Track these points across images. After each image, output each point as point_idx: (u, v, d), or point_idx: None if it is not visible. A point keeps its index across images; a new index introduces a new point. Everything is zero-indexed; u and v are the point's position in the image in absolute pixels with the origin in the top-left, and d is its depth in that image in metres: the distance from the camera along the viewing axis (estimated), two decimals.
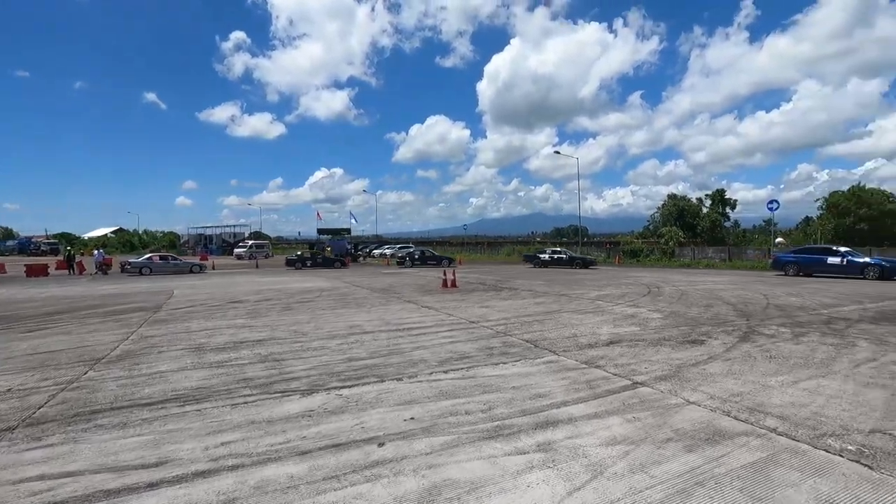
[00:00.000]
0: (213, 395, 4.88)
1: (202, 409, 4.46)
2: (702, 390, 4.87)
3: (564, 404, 4.49)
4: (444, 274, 17.92)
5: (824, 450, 3.46)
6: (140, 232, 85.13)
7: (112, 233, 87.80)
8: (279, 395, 4.85)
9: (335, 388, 5.07)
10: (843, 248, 21.22)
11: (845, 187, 44.12)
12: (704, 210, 56.45)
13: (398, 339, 7.68)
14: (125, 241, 78.07)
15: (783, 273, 22.14)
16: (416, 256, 34.30)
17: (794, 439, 3.66)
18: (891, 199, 42.51)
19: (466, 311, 10.69)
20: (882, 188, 42.93)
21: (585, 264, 29.96)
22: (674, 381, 5.22)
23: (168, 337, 8.06)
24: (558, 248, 33.41)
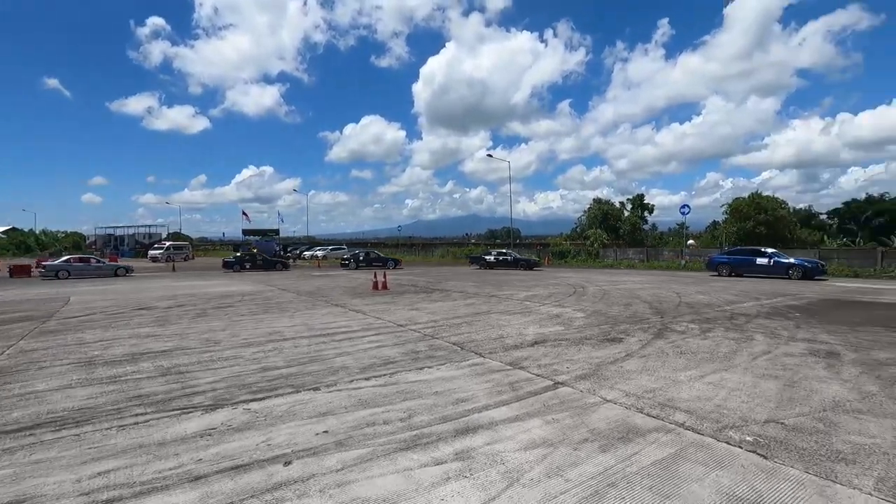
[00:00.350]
0: (98, 416, 4.31)
1: (82, 433, 3.91)
2: (618, 388, 5.00)
3: (486, 408, 4.42)
4: (375, 276, 17.55)
5: (726, 442, 3.63)
6: (37, 232, 76.32)
7: (2, 233, 78.07)
8: (177, 412, 4.38)
9: (244, 401, 4.67)
10: (770, 250, 22.03)
11: (745, 194, 48.71)
12: (626, 214, 59.98)
13: (321, 345, 7.31)
14: (18, 242, 69.66)
15: (717, 273, 22.78)
16: (361, 258, 33.44)
17: (699, 433, 3.80)
18: (783, 205, 47.46)
19: (395, 314, 10.45)
20: (776, 196, 47.72)
21: (529, 266, 30.26)
22: (593, 379, 5.33)
23: (54, 350, 7.14)
24: (504, 251, 33.67)
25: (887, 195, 54.52)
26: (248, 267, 30.60)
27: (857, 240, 42.13)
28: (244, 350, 6.98)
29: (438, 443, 3.64)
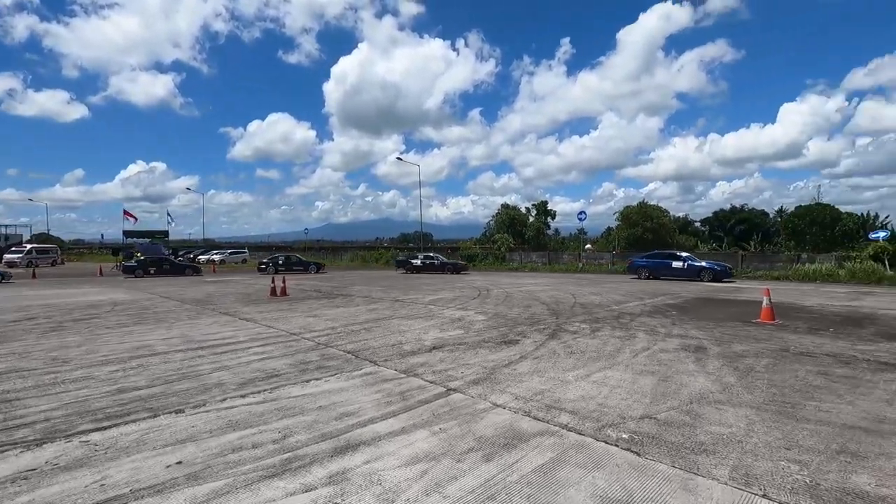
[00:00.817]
0: None
1: None
2: (509, 391, 4.99)
3: (372, 422, 4.14)
4: (273, 281, 16.48)
5: (604, 441, 3.70)
6: None
7: None
8: None
9: (84, 431, 3.94)
10: (684, 254, 23.21)
11: (635, 203, 53.46)
12: (531, 219, 63.02)
13: (197, 359, 6.55)
14: None
15: (637, 276, 23.58)
16: (281, 262, 31.55)
17: (581, 433, 3.85)
18: (665, 213, 52.79)
19: (290, 322, 9.80)
20: (660, 205, 52.80)
21: (456, 269, 29.55)
22: (486, 384, 5.28)
23: None
24: (431, 254, 33.13)
25: (746, 206, 62.75)
26: (152, 272, 27.33)
27: (724, 244, 47.92)
28: (99, 369, 6.03)
29: (312, 465, 3.30)
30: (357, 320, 10.04)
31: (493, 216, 64.63)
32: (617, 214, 54.28)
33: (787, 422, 4.07)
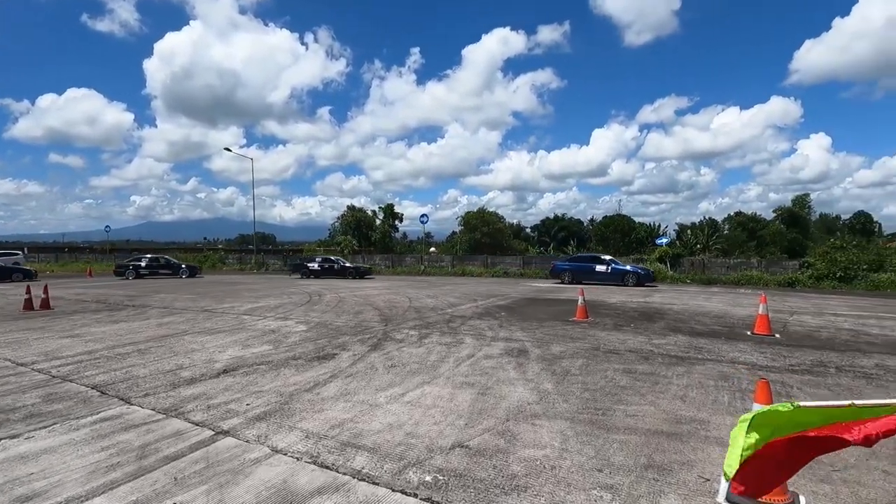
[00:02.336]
0: None
1: None
2: (301, 427, 3.95)
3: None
4: (29, 291, 12.66)
5: (401, 491, 2.90)
6: None
7: None
8: None
9: None
10: (607, 257, 22.22)
11: (476, 209, 56.70)
12: (378, 222, 62.46)
13: None
14: None
15: (559, 281, 22.48)
16: (144, 265, 26.42)
17: (375, 482, 3.01)
18: (501, 220, 57.04)
19: (29, 347, 7.27)
20: (497, 212, 56.68)
21: (359, 273, 26.85)
22: (274, 418, 4.15)
23: None
24: (331, 257, 29.35)
25: (566, 215, 71.23)
26: None
27: (549, 249, 53.39)
28: None
29: None
30: (134, 339, 7.91)
31: (338, 218, 62.64)
32: (459, 219, 56.80)
33: (598, 434, 3.80)
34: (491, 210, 57.40)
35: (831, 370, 5.90)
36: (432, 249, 57.63)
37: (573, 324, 9.65)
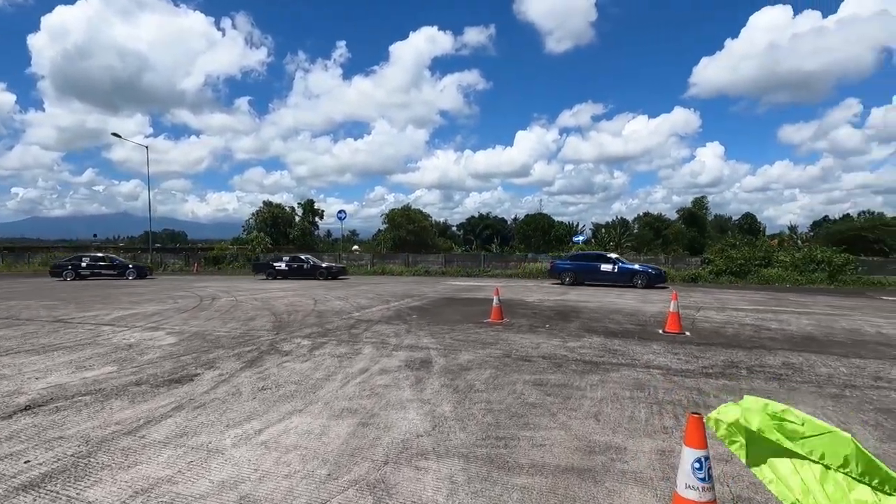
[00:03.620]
0: None
1: None
2: (86, 497, 2.78)
3: None
4: None
5: None
6: None
7: None
8: None
9: None
10: (613, 255, 20.09)
11: (401, 207, 55.62)
12: (297, 218, 59.32)
13: None
14: None
15: (560, 282, 20.27)
16: (84, 265, 24.25)
17: None
18: (427, 217, 56.45)
19: None
20: (423, 209, 56.03)
21: (332, 273, 24.13)
22: (53, 484, 2.93)
23: None
24: (302, 255, 26.03)
25: (491, 214, 72.30)
26: None
27: (473, 247, 53.62)
28: None
29: None
30: None
31: (253, 214, 58.79)
32: (383, 217, 55.44)
33: (496, 477, 3.01)
34: (416, 208, 56.69)
35: (743, 371, 5.65)
36: (355, 248, 55.85)
37: (487, 326, 9.00)
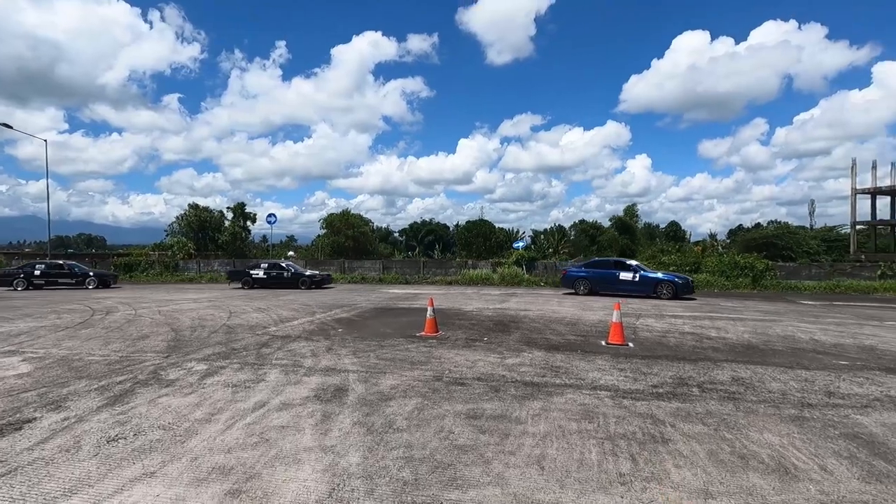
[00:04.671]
0: None
1: None
2: None
3: None
4: None
5: None
6: None
7: None
8: None
9: None
10: (633, 262, 18.25)
11: (340, 212, 53.69)
12: (227, 223, 55.73)
13: None
14: None
15: (573, 291, 18.38)
16: (37, 273, 21.84)
17: None
18: (368, 223, 54.89)
19: None
20: (367, 215, 54.49)
21: (315, 282, 21.97)
22: None
23: None
24: (282, 262, 23.68)
25: (434, 220, 71.87)
26: None
27: (416, 253, 52.74)
28: None
29: None
30: None
31: (176, 218, 54.68)
32: (321, 221, 53.32)
33: None
34: (357, 213, 55.08)
35: (694, 390, 5.13)
36: (290, 253, 53.23)
37: (420, 340, 8.12)
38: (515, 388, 5.16)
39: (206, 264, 30.80)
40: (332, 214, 52.26)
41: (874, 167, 52.36)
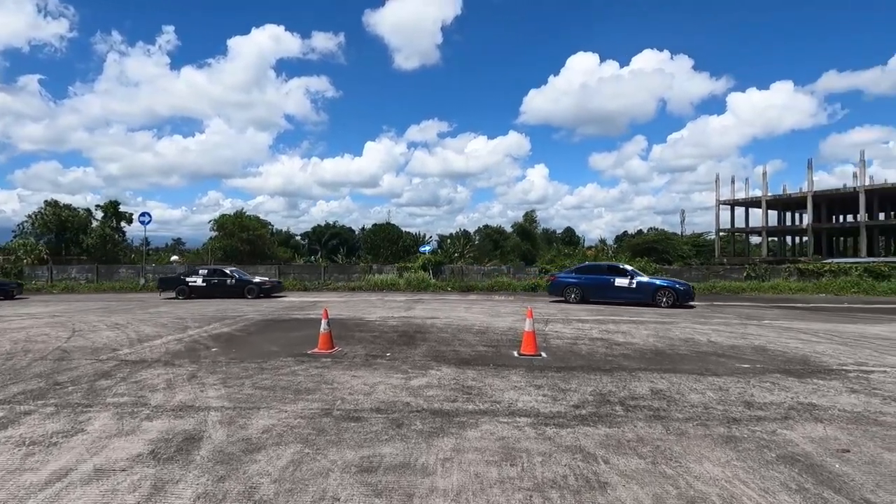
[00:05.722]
0: None
1: None
2: None
3: None
4: None
5: None
6: None
7: None
8: None
9: None
10: (629, 267, 17.23)
11: (234, 213, 49.31)
12: (95, 223, 48.58)
13: None
14: None
15: (563, 300, 16.86)
16: None
17: None
18: (266, 225, 51.09)
19: None
20: (266, 217, 50.64)
21: (264, 290, 19.35)
22: None
23: None
24: (226, 269, 20.22)
25: (338, 223, 69.27)
26: None
27: (318, 257, 50.07)
28: None
29: None
30: None
31: (29, 216, 46.56)
32: (212, 223, 48.66)
33: None
34: (254, 215, 51.09)
35: (618, 409, 4.64)
36: (174, 258, 47.96)
37: (311, 360, 6.94)
38: (422, 421, 4.27)
39: (62, 270, 26.19)
40: (224, 216, 47.80)
41: (732, 182, 59.91)
